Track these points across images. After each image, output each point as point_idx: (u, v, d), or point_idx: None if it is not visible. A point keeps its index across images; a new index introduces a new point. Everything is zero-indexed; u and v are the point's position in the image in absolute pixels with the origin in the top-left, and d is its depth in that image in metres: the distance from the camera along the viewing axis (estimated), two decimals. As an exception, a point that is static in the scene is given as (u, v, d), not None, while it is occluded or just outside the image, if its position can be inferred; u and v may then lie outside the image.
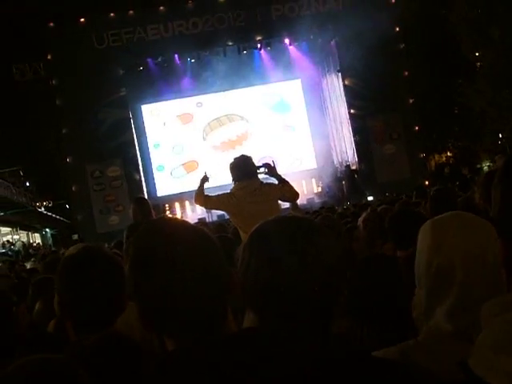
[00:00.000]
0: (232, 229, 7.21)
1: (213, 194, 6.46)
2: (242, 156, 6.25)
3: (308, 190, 24.06)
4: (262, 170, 6.26)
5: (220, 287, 1.61)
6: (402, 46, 23.15)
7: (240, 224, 5.94)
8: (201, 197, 6.43)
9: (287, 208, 8.90)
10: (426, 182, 21.53)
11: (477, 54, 24.25)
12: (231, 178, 6.21)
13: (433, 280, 1.87)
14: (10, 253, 22.15)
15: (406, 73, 23.08)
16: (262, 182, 6.15)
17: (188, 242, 1.61)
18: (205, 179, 6.62)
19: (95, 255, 2.47)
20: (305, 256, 1.48)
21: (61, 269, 2.49)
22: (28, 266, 12.75)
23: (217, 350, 1.33)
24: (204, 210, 22.18)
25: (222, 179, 21.71)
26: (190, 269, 1.56)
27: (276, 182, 6.26)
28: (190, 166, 24.68)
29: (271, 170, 6.33)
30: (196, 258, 1.59)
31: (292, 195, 6.35)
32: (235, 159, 6.23)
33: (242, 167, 6.10)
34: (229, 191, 6.22)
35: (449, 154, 31.49)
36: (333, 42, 23.41)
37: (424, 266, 1.89)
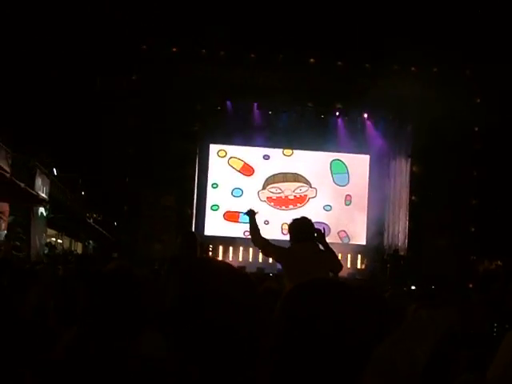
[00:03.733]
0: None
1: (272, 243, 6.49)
2: (305, 218, 6.29)
3: (352, 264, 23.92)
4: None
5: None
6: (478, 146, 22.99)
7: (291, 280, 5.90)
8: (259, 237, 6.43)
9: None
10: (470, 285, 21.14)
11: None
12: (289, 237, 6.24)
13: None
14: (50, 254, 22.39)
15: (475, 173, 22.89)
16: (320, 248, 6.18)
17: None
18: (253, 213, 6.58)
19: (127, 274, 2.52)
20: (341, 323, 1.48)
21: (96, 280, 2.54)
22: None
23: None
24: (245, 258, 22.31)
25: (271, 232, 21.91)
26: None
27: None
28: (233, 216, 24.77)
29: (321, 236, 6.36)
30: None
31: (339, 267, 6.39)
32: (297, 220, 6.26)
33: (304, 228, 6.14)
34: (288, 246, 6.26)
35: (499, 262, 30.88)
36: (409, 127, 23.45)
37: None
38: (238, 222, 24.06)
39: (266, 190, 24.96)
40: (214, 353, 1.58)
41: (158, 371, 1.99)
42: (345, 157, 25.25)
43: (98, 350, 2.32)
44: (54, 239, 29.35)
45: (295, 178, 25.14)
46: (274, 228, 22.30)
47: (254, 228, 6.50)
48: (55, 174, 24.81)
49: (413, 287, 20.44)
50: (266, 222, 23.66)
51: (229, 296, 1.61)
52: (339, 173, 25.35)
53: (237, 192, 24.87)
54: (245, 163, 25.07)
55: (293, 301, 1.56)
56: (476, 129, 22.87)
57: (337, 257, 6.36)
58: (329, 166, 25.22)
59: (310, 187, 25.07)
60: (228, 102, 23.52)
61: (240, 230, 24.36)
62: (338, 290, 1.58)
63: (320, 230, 6.37)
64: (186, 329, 1.60)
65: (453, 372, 2.74)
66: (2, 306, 3.65)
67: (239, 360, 1.61)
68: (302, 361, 1.48)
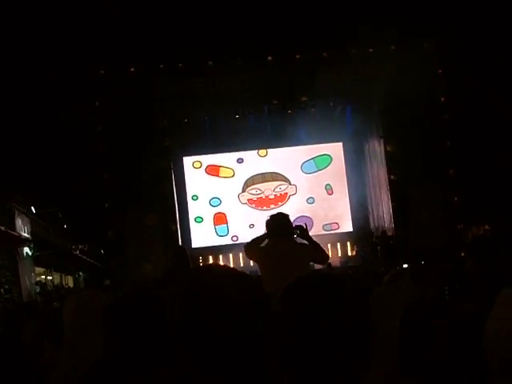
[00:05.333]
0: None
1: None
2: (280, 214, 6.28)
3: (342, 253, 24.03)
4: (294, 232, 6.28)
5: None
6: (446, 116, 23.13)
7: (266, 279, 5.83)
8: (251, 248, 6.43)
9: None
10: (462, 254, 21.27)
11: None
12: (266, 234, 6.22)
13: None
14: (42, 292, 22.29)
15: (449, 143, 23.02)
16: (296, 243, 6.15)
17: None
18: (264, 238, 6.54)
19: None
20: (341, 314, 1.50)
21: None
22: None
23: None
24: (237, 264, 22.29)
25: (248, 234, 21.97)
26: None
27: None
28: (219, 219, 24.80)
29: (303, 232, 6.36)
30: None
31: (323, 259, 6.41)
32: (272, 216, 6.25)
33: (279, 225, 6.12)
34: (262, 238, 6.23)
35: (487, 227, 31.09)
36: (376, 108, 23.56)
37: None
38: (226, 223, 24.23)
39: (246, 193, 24.97)
40: (231, 363, 1.57)
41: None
42: (319, 148, 25.31)
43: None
44: (43, 277, 29.22)
45: (274, 177, 25.17)
46: (259, 231, 22.28)
47: (260, 240, 6.47)
48: (33, 211, 24.71)
49: (405, 265, 20.54)
50: (251, 226, 23.69)
51: (236, 299, 1.60)
52: (316, 164, 25.39)
53: (214, 202, 24.88)
54: (221, 168, 25.10)
55: (297, 298, 1.56)
56: (442, 99, 23.00)
57: (321, 249, 6.33)
58: (305, 159, 25.27)
59: (290, 184, 25.11)
60: (194, 113, 23.51)
61: (227, 238, 24.40)
62: (327, 283, 1.60)
63: (302, 226, 6.37)
64: (199, 344, 1.58)
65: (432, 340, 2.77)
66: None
67: (255, 363, 1.60)
68: (313, 352, 1.49)
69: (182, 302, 1.65)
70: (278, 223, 6.13)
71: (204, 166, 25.07)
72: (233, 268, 1.88)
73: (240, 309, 1.58)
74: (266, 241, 6.28)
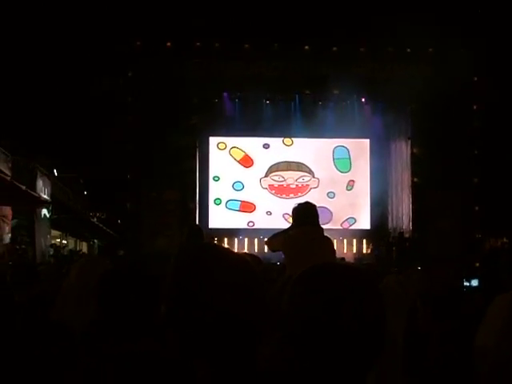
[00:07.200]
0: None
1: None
2: (308, 203, 6.20)
3: (358, 249, 24.02)
4: None
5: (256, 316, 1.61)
6: (477, 124, 22.95)
7: (291, 267, 5.67)
8: (275, 236, 6.30)
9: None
10: (477, 264, 21.17)
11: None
12: (292, 220, 6.15)
13: None
14: (55, 255, 22.41)
15: (476, 152, 22.87)
16: (323, 234, 6.07)
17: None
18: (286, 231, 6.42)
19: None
20: (364, 304, 1.50)
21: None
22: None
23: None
24: (251, 249, 22.29)
25: (265, 222, 22.13)
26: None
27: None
28: (246, 207, 24.79)
29: None
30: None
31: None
32: (300, 204, 6.17)
33: (308, 213, 6.04)
34: (287, 232, 6.13)
35: (505, 239, 30.89)
36: (407, 109, 23.44)
37: None
38: (252, 211, 24.34)
39: (268, 178, 24.94)
40: (220, 341, 1.58)
41: (166, 368, 1.97)
42: (346, 142, 25.25)
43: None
44: (58, 240, 29.39)
45: (299, 167, 25.11)
46: (277, 218, 22.41)
47: (283, 233, 6.36)
48: (56, 174, 24.84)
49: (418, 268, 20.46)
50: (269, 213, 23.71)
51: (228, 279, 1.60)
52: (341, 158, 25.32)
53: (238, 185, 24.86)
54: (245, 154, 25.06)
55: (316, 284, 1.56)
56: (474, 107, 22.84)
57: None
58: (331, 152, 25.21)
59: (313, 177, 25.05)
60: (225, 94, 23.51)
61: (244, 221, 24.42)
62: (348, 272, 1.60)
63: None
64: (188, 319, 1.59)
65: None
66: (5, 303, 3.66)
67: (244, 345, 1.60)
68: (326, 342, 1.49)
69: (177, 276, 1.65)
70: (307, 211, 6.05)
71: (228, 148, 25.05)
72: (232, 251, 1.89)
73: (233, 290, 1.58)
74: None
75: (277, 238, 6.24)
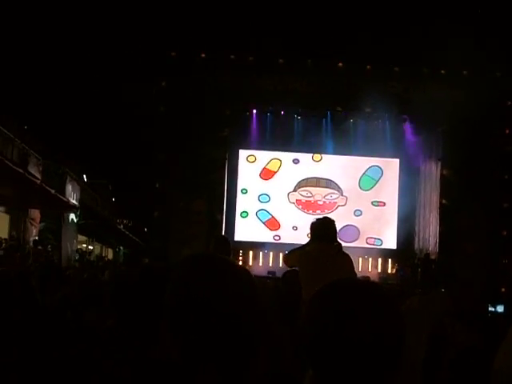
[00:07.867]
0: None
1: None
2: (327, 218, 6.16)
3: (383, 269, 23.87)
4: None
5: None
6: (509, 148, 22.78)
7: (305, 283, 5.59)
8: (292, 252, 6.30)
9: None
10: (503, 289, 21.00)
11: None
12: (310, 236, 6.11)
13: None
14: (80, 259, 22.59)
15: (507, 176, 22.69)
16: (340, 250, 6.02)
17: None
18: (304, 247, 6.40)
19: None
20: (382, 319, 1.50)
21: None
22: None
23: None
24: (276, 263, 22.27)
25: (291, 236, 22.04)
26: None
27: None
28: (272, 224, 24.77)
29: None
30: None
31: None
32: (319, 219, 6.13)
33: (326, 229, 5.99)
34: (303, 248, 6.11)
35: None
36: (439, 130, 23.33)
37: None
38: (278, 229, 24.31)
39: (296, 192, 24.90)
40: (227, 347, 1.59)
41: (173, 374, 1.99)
42: (377, 161, 25.12)
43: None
44: (84, 245, 29.61)
45: (328, 183, 25.04)
46: (302, 233, 22.32)
47: (293, 253, 6.35)
48: (85, 180, 25.04)
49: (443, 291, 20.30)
50: (295, 228, 23.64)
51: (234, 287, 1.62)
52: (370, 177, 25.19)
53: (264, 198, 24.84)
54: (275, 168, 25.06)
55: (334, 300, 1.56)
56: (507, 131, 22.69)
57: None
58: (362, 170, 25.09)
59: (341, 195, 24.96)
60: (256, 107, 23.56)
61: (270, 234, 24.38)
62: (366, 289, 1.60)
63: (340, 244, 6.23)
64: (197, 325, 1.60)
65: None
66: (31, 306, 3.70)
67: (247, 351, 1.62)
68: (343, 358, 1.49)
69: (178, 283, 1.67)
70: (325, 227, 5.99)
71: (258, 162, 25.04)
72: (233, 261, 1.91)
73: (240, 297, 1.60)
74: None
75: (293, 254, 6.22)
